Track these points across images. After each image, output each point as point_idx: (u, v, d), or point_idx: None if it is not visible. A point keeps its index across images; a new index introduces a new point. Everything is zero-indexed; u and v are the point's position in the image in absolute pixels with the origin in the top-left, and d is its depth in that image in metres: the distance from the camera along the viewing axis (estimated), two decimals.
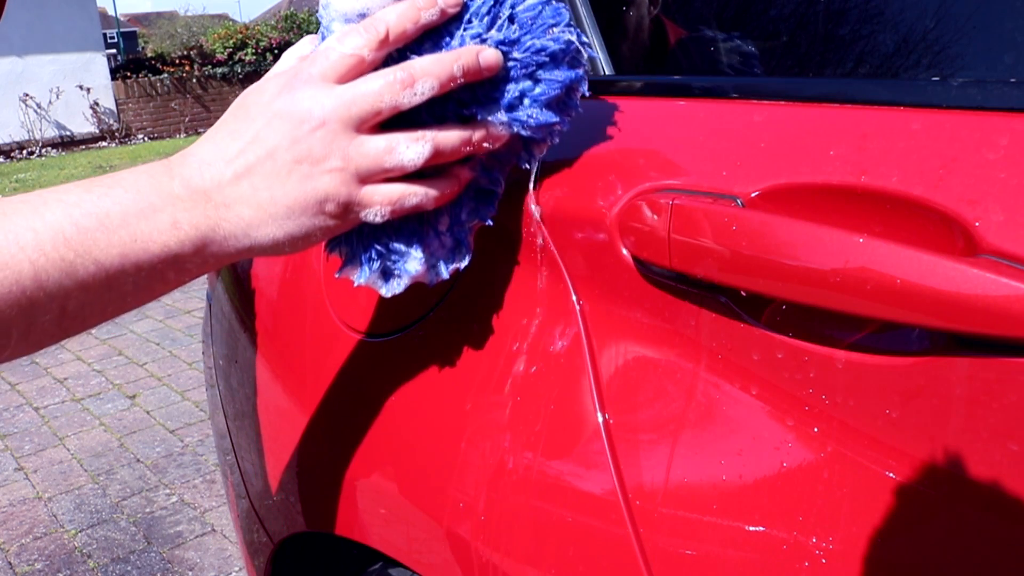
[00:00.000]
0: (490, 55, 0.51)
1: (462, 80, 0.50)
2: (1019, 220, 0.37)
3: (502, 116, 0.53)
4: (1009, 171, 0.37)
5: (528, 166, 0.57)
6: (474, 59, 0.50)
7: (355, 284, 0.58)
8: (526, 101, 0.52)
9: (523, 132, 0.53)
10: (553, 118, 0.53)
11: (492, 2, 0.51)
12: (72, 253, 0.44)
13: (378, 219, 0.52)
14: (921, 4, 0.50)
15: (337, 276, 0.58)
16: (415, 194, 0.52)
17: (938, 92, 0.42)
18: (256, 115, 0.51)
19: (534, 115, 0.52)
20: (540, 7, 0.52)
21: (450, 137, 0.51)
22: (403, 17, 0.50)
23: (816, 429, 0.45)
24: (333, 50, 0.50)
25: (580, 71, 0.53)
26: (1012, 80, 0.42)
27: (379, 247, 0.56)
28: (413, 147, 0.51)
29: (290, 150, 0.49)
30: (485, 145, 0.53)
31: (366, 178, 0.51)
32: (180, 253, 0.47)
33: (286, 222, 0.50)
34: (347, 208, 0.51)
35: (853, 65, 0.54)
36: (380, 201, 0.51)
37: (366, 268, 0.57)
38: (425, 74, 0.49)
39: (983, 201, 0.38)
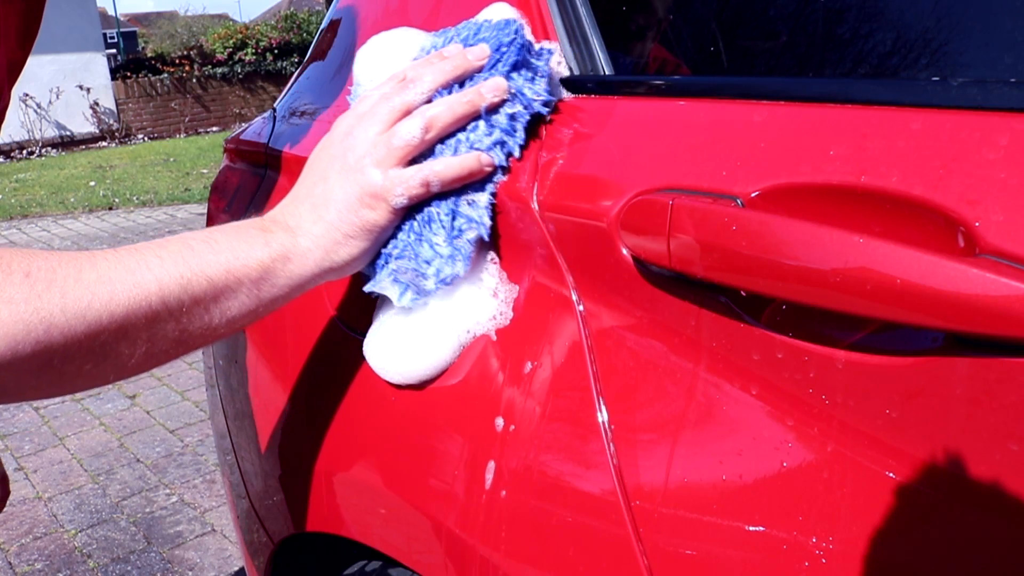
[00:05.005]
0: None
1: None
2: (1019, 220, 0.37)
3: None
4: (1009, 171, 0.37)
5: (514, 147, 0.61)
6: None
7: (369, 292, 0.64)
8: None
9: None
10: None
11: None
12: (189, 272, 0.53)
13: (405, 201, 0.59)
14: (921, 3, 0.50)
15: (365, 291, 0.64)
16: (429, 171, 0.59)
17: (938, 92, 0.42)
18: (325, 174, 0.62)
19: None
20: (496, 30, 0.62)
21: (440, 106, 0.60)
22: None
23: (816, 429, 0.45)
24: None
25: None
26: (1012, 80, 0.42)
27: (388, 256, 0.62)
28: (409, 122, 0.59)
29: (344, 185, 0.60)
30: (481, 102, 0.59)
31: (384, 164, 0.59)
32: (271, 267, 0.57)
33: (341, 225, 0.59)
34: (377, 196, 0.59)
35: (853, 65, 0.54)
36: (398, 182, 0.59)
37: (381, 276, 0.63)
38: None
39: (983, 201, 0.38)
